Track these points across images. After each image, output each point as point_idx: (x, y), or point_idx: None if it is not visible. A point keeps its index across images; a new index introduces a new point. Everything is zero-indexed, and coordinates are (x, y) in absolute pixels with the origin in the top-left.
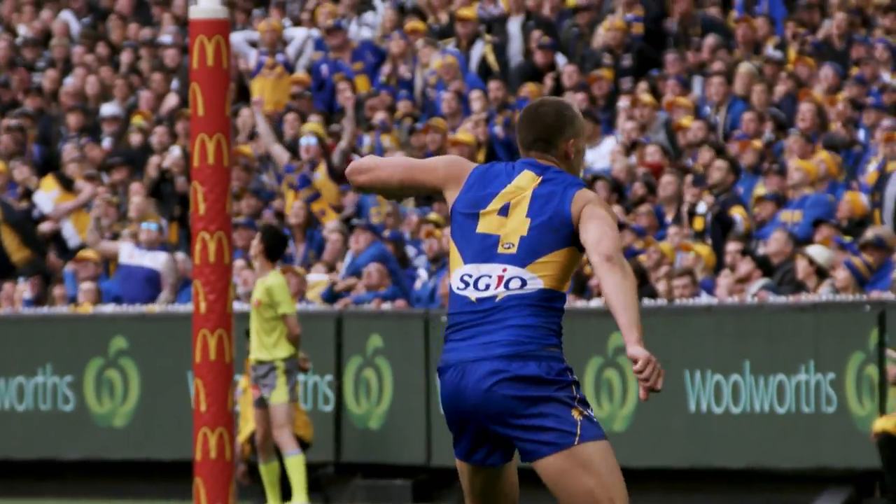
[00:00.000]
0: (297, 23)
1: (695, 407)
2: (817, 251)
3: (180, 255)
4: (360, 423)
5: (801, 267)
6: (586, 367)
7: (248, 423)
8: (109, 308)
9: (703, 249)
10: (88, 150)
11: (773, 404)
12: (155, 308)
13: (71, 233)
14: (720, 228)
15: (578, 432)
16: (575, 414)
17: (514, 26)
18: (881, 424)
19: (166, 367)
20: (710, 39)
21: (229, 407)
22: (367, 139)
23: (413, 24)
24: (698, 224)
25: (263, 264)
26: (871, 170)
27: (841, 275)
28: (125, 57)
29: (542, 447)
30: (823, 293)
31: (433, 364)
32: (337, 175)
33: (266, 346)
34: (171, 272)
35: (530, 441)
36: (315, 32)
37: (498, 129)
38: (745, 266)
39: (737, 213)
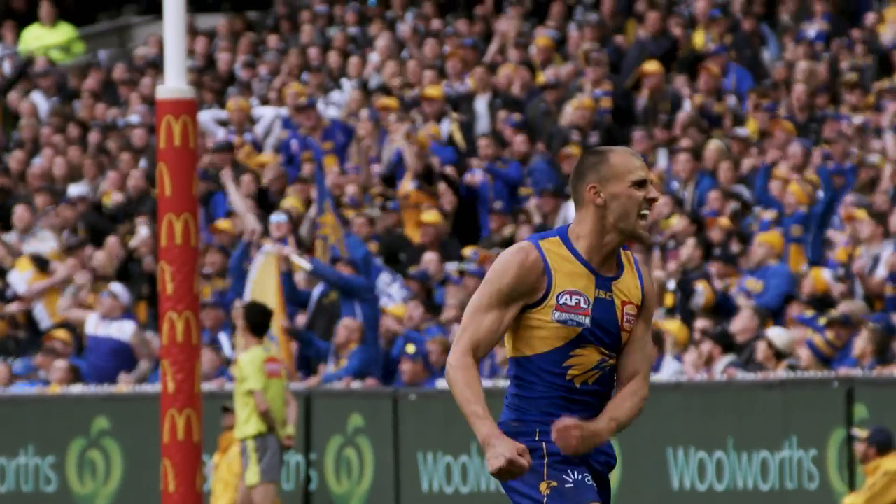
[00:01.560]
0: (264, 102)
1: (678, 484)
2: (776, 334)
3: (150, 335)
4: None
5: (761, 349)
6: None
7: (218, 501)
8: (91, 388)
9: (674, 325)
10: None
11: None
12: (123, 387)
13: (42, 315)
14: (688, 304)
15: None
16: (542, 487)
17: (482, 104)
18: (851, 501)
19: (149, 446)
20: (682, 116)
21: (198, 487)
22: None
23: (384, 100)
24: (668, 300)
25: (248, 340)
26: (839, 246)
27: (803, 354)
28: (93, 137)
29: None
30: (783, 371)
31: (403, 443)
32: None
33: (239, 422)
34: (142, 344)
35: None
36: (283, 111)
37: None
38: (708, 345)
39: (700, 285)
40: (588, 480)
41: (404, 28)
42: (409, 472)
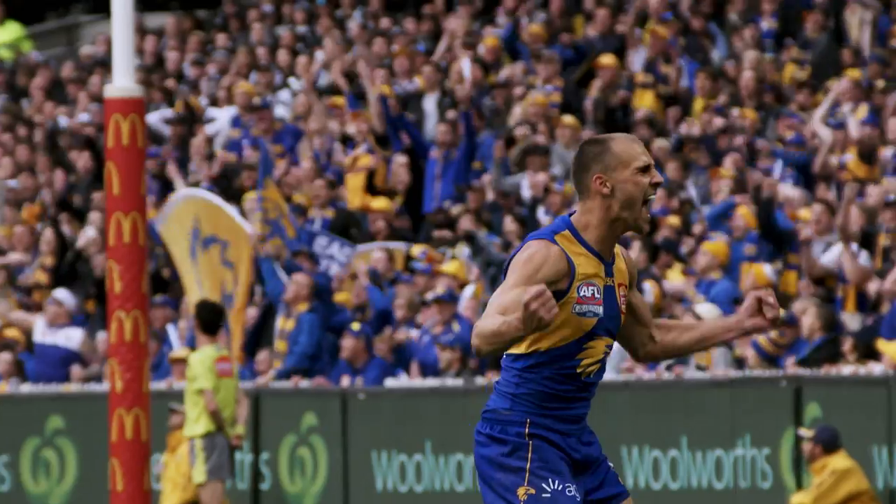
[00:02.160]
0: (213, 102)
1: (633, 483)
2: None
3: (102, 335)
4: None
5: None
6: None
7: (167, 500)
8: (43, 386)
9: None
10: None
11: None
12: (71, 387)
13: None
14: None
15: None
16: (520, 492)
17: (430, 103)
18: (798, 499)
19: (103, 446)
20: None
21: (146, 486)
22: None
23: (334, 99)
24: None
25: (200, 339)
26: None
27: (749, 354)
28: (41, 136)
29: None
30: (732, 370)
31: (354, 442)
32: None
33: (189, 421)
34: (91, 351)
35: None
36: (233, 111)
37: None
38: None
39: (647, 283)
40: (569, 491)
41: (353, 26)
42: (363, 470)
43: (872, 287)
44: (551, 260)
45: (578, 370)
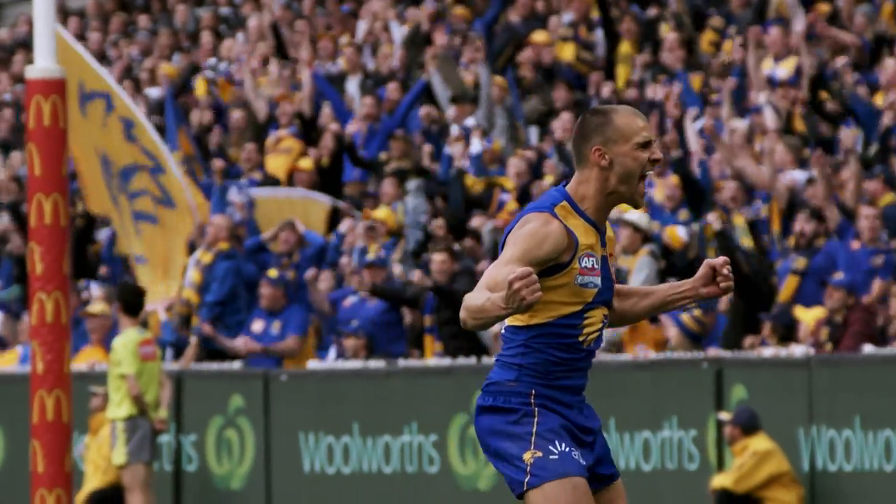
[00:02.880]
0: (136, 82)
1: None
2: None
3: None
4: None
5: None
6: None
7: (89, 482)
8: None
9: None
10: None
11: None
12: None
13: None
14: None
15: (527, 478)
16: (527, 456)
17: (353, 85)
18: (720, 481)
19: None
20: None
21: (67, 468)
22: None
23: (260, 79)
24: None
25: (123, 321)
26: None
27: (672, 332)
28: None
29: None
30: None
31: (280, 424)
32: None
33: (111, 404)
34: (12, 335)
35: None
36: (157, 91)
37: None
38: None
39: None
40: (575, 454)
41: (276, 8)
42: (290, 452)
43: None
44: (553, 236)
45: (580, 338)
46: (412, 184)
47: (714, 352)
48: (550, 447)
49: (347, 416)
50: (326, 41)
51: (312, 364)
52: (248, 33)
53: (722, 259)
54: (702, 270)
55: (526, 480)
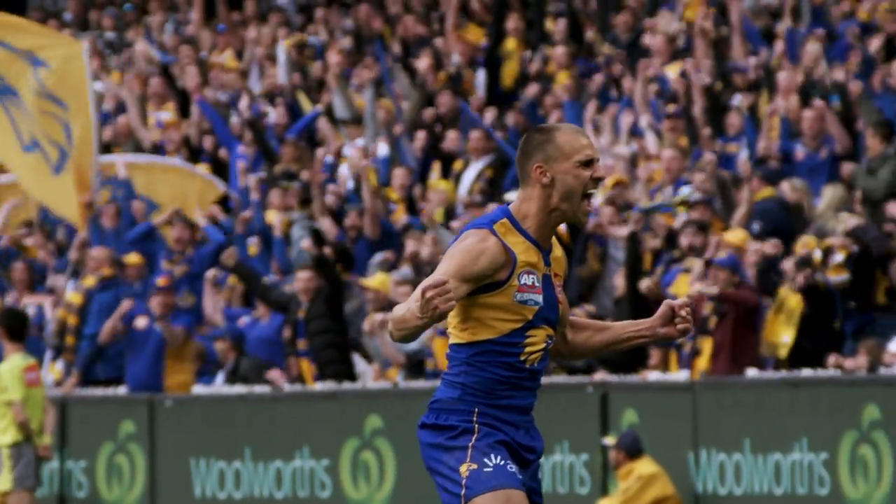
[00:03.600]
0: None
1: None
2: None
3: None
4: None
5: None
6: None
7: None
8: None
9: None
10: None
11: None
12: None
13: None
14: None
15: (463, 491)
16: (463, 469)
17: (240, 108)
18: None
19: None
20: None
21: None
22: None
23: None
24: None
25: (7, 347)
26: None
27: None
28: None
29: None
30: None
31: (165, 450)
32: None
33: None
34: None
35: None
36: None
37: None
38: None
39: None
40: (510, 467)
41: (166, 34)
42: (181, 477)
43: None
44: (489, 252)
45: (522, 357)
46: (297, 215)
47: (600, 376)
48: (485, 460)
49: (238, 441)
50: (215, 68)
51: (197, 389)
52: (133, 57)
53: (682, 300)
54: (661, 310)
55: (462, 493)
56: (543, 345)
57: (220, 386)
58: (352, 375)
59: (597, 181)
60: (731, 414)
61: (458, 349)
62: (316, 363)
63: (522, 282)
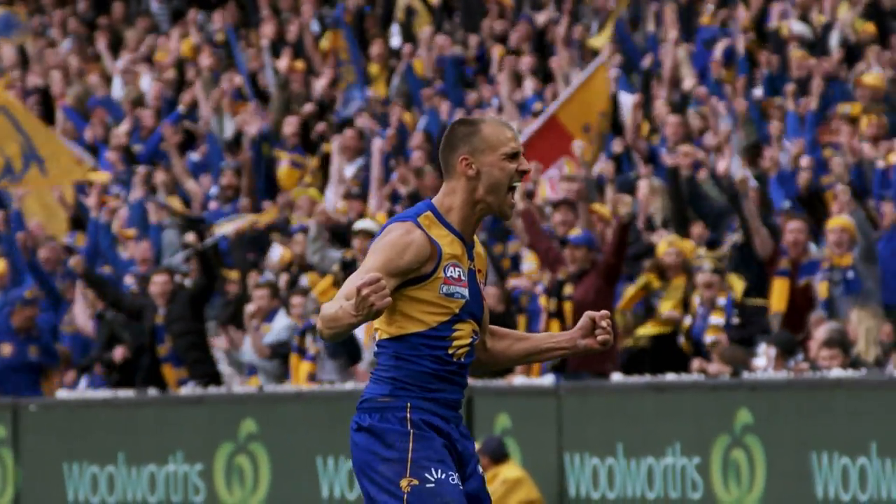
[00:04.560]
0: None
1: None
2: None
3: None
4: None
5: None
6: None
7: None
8: None
9: None
10: None
11: None
12: None
13: None
14: None
15: None
16: (403, 483)
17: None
18: None
19: None
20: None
21: None
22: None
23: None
24: None
25: None
26: None
27: None
28: None
29: None
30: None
31: (26, 455)
32: None
33: None
34: None
35: None
36: None
37: None
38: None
39: None
40: (453, 480)
41: (55, 32)
42: (54, 482)
43: None
44: (415, 245)
45: (450, 351)
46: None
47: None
48: (427, 475)
49: (113, 445)
50: (96, 72)
51: (62, 394)
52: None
53: (602, 312)
54: (582, 321)
55: None
56: (470, 339)
57: (83, 390)
58: (217, 378)
59: (522, 174)
60: (597, 418)
61: (387, 344)
62: (182, 366)
63: (448, 274)
